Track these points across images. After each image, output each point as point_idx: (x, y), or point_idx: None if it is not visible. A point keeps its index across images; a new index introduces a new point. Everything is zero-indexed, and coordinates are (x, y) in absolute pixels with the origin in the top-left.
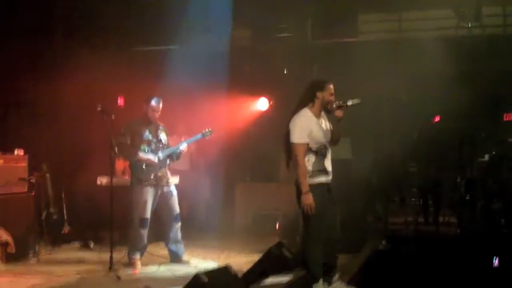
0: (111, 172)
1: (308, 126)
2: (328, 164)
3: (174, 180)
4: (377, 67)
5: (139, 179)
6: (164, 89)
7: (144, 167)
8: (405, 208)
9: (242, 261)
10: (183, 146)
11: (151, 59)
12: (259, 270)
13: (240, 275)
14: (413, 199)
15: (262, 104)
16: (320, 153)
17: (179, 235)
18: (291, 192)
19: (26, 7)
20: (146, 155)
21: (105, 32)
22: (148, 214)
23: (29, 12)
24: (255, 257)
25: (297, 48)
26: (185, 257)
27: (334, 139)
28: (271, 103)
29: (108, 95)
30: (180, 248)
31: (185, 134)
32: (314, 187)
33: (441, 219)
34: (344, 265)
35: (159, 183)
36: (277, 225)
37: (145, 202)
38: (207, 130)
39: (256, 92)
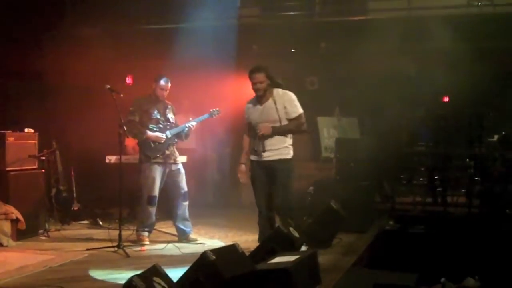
0: (120, 150)
1: (247, 110)
2: (257, 144)
3: (181, 158)
4: (385, 45)
5: (147, 156)
6: (171, 67)
7: (152, 145)
8: (413, 188)
9: (249, 239)
10: (191, 125)
11: (159, 37)
12: (266, 249)
13: (247, 253)
14: (421, 179)
15: None
16: (252, 135)
17: (187, 213)
18: (298, 171)
19: None
20: (154, 133)
21: (114, 10)
22: (156, 192)
23: None
24: None
25: (304, 26)
26: (192, 235)
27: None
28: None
29: (117, 74)
30: (188, 226)
31: (190, 112)
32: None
33: (449, 199)
34: (351, 245)
35: (167, 161)
36: None
37: (153, 180)
38: (214, 110)
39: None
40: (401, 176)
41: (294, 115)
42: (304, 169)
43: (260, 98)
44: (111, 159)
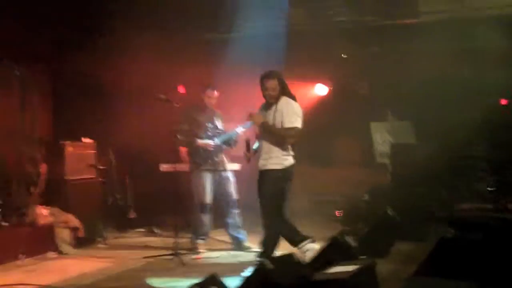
0: (174, 159)
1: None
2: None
3: (234, 166)
4: (438, 47)
5: (196, 164)
6: (222, 76)
7: (201, 152)
8: (472, 194)
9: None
10: (239, 132)
11: (210, 46)
12: (324, 258)
13: (303, 263)
14: (480, 185)
15: (320, 89)
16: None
17: (238, 221)
18: (351, 177)
19: None
20: (203, 141)
21: (167, 20)
22: (207, 200)
23: None
24: (317, 245)
25: (354, 30)
26: (247, 243)
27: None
28: (329, 88)
29: (170, 83)
30: (242, 233)
31: (241, 120)
32: None
33: (510, 205)
34: (410, 253)
35: (216, 168)
36: (336, 212)
37: (204, 187)
38: None
39: (313, 76)
40: (460, 181)
41: (288, 125)
42: (358, 175)
43: (269, 105)
44: (165, 167)
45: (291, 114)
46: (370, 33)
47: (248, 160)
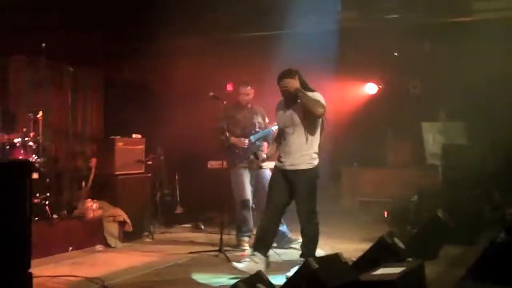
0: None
1: (278, 115)
2: (283, 150)
3: (271, 164)
4: (492, 46)
5: (233, 162)
6: (271, 74)
7: (237, 150)
8: None
9: (350, 248)
10: (274, 129)
11: (259, 44)
12: (370, 259)
13: (349, 263)
14: None
15: (370, 88)
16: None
17: None
18: (400, 178)
19: None
20: (237, 138)
21: (213, 19)
22: (247, 196)
23: None
24: (363, 245)
25: (407, 28)
26: (291, 235)
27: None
28: (380, 87)
29: (218, 81)
30: (284, 226)
31: None
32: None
33: None
34: (459, 257)
35: (249, 165)
36: (385, 213)
37: (243, 184)
38: None
39: (364, 75)
40: None
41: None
42: (407, 176)
43: (291, 103)
44: (213, 164)
45: (317, 96)
46: (422, 31)
47: (258, 168)
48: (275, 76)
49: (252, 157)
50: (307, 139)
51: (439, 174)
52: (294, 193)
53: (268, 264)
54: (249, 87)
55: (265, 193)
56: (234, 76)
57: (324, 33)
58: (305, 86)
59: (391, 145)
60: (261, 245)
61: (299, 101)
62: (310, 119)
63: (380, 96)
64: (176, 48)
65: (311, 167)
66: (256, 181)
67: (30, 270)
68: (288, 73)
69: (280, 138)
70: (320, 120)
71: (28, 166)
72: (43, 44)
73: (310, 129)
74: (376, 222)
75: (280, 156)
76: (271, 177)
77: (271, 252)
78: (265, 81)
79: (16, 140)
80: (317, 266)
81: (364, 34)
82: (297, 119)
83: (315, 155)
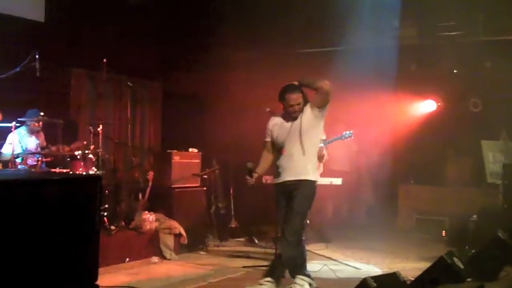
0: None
1: (273, 127)
2: (280, 164)
3: (336, 181)
4: None
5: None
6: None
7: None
8: None
9: (407, 267)
10: (323, 145)
11: (315, 60)
12: (429, 279)
13: (407, 282)
14: None
15: (429, 105)
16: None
17: None
18: (458, 196)
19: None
20: None
21: (271, 32)
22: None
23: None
24: (421, 264)
25: (467, 46)
26: None
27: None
28: (438, 104)
29: (273, 96)
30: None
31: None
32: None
33: None
34: None
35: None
36: (443, 232)
37: None
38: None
39: (423, 92)
40: None
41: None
42: (466, 194)
43: (293, 118)
44: (268, 179)
45: None
46: (483, 48)
47: (251, 186)
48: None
49: (247, 177)
50: (305, 153)
51: (499, 194)
52: (289, 204)
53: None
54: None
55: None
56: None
57: (383, 49)
58: (306, 98)
59: (450, 162)
60: (293, 269)
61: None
62: (320, 103)
63: (440, 113)
64: (233, 61)
65: (310, 178)
66: None
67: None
68: (294, 88)
69: (275, 153)
70: (319, 136)
71: (99, 181)
72: (104, 60)
73: (309, 143)
74: (434, 241)
75: (278, 172)
76: (275, 198)
77: (325, 268)
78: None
79: (76, 153)
80: (375, 285)
81: (423, 50)
82: (297, 132)
83: (314, 170)
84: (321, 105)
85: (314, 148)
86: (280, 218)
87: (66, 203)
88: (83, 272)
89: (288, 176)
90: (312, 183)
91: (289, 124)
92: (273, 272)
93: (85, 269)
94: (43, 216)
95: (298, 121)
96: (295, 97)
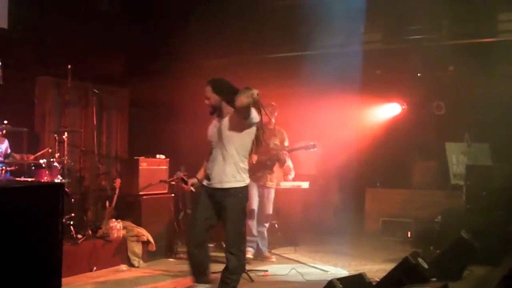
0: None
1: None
2: (207, 167)
3: (304, 184)
4: None
5: None
6: (297, 95)
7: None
8: None
9: (373, 269)
10: (283, 153)
11: (284, 65)
12: (394, 279)
13: (373, 283)
14: None
15: (393, 108)
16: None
17: (265, 233)
18: (423, 198)
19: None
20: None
21: (239, 38)
22: (252, 206)
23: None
24: (387, 266)
25: (431, 49)
26: (267, 253)
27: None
28: (403, 107)
29: None
30: (264, 244)
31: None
32: None
33: None
34: (483, 278)
35: (256, 182)
36: (408, 233)
37: (251, 196)
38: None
39: (388, 96)
40: None
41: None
42: (431, 196)
43: (219, 115)
44: None
45: None
46: (446, 52)
47: (193, 191)
48: (300, 97)
49: (183, 185)
50: (225, 158)
51: (463, 195)
52: (221, 215)
53: None
54: (269, 109)
55: (263, 209)
56: (261, 97)
57: (348, 54)
58: (226, 97)
59: (415, 165)
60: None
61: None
62: (237, 124)
63: (404, 116)
64: (200, 68)
65: (234, 186)
66: (260, 197)
67: None
68: (207, 82)
69: (208, 154)
70: (251, 136)
71: (62, 189)
72: (69, 66)
73: (237, 144)
74: (400, 243)
75: (207, 174)
76: (199, 196)
77: (293, 271)
78: (291, 102)
79: (41, 161)
80: (341, 286)
81: (387, 55)
82: (223, 132)
83: (238, 174)
84: (242, 119)
85: (237, 153)
86: (198, 218)
87: (26, 212)
88: (46, 283)
89: (214, 182)
90: (237, 190)
91: (218, 124)
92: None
93: (48, 279)
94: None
95: (223, 122)
96: (206, 90)
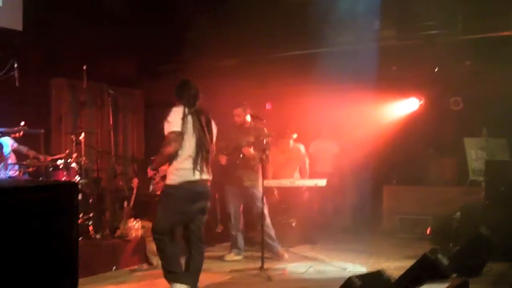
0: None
1: None
2: None
3: (321, 182)
4: None
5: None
6: (310, 92)
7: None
8: None
9: (391, 266)
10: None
11: (297, 63)
12: (413, 276)
13: (392, 280)
14: None
15: (411, 103)
16: None
17: (270, 232)
18: (441, 195)
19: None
20: (221, 156)
21: (252, 37)
22: (228, 209)
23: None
24: (405, 263)
25: (447, 45)
26: (280, 250)
27: None
28: (421, 102)
29: (257, 100)
30: (273, 242)
31: (330, 136)
32: None
33: None
34: (503, 274)
35: (234, 183)
36: (428, 230)
37: (226, 199)
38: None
39: (405, 92)
40: None
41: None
42: (448, 193)
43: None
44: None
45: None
46: (463, 47)
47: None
48: (315, 95)
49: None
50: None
51: (482, 191)
52: None
53: None
54: (240, 109)
55: (254, 209)
56: (273, 95)
57: (363, 51)
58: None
59: (432, 162)
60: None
61: None
62: None
63: (421, 112)
64: (214, 68)
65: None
66: (245, 198)
67: None
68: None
69: None
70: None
71: (75, 188)
72: (84, 67)
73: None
74: (418, 240)
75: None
76: None
77: (311, 269)
78: (306, 100)
79: (59, 162)
80: (360, 283)
81: (403, 51)
82: None
83: (173, 171)
84: None
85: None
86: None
87: (41, 210)
88: (62, 283)
89: None
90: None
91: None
92: None
93: (64, 279)
94: (15, 224)
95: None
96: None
